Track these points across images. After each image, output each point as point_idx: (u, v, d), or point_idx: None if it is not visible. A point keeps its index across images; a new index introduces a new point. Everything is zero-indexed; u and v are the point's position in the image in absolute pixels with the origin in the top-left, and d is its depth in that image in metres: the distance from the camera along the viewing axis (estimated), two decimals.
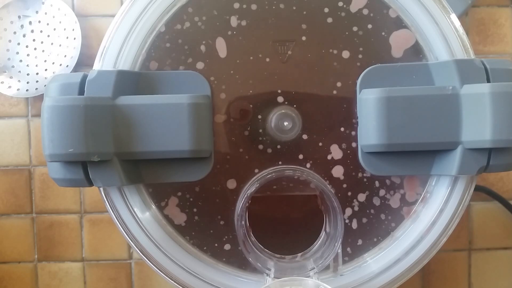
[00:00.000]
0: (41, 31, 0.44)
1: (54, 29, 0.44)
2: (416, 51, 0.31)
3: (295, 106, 0.31)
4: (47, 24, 0.44)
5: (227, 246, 0.32)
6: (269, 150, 0.31)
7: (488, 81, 0.29)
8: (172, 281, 0.31)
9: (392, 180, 0.32)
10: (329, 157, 0.31)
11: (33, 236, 0.46)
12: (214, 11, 0.31)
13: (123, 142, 0.28)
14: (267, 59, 0.31)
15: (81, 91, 0.29)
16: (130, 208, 0.31)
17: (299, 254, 0.32)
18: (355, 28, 0.31)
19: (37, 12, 0.44)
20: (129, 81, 0.30)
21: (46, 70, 0.44)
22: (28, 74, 0.44)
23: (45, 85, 0.41)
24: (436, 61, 0.31)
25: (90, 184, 0.29)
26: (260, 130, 0.31)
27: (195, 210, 0.32)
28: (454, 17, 0.31)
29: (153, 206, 0.32)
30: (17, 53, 0.44)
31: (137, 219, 0.31)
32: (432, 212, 0.31)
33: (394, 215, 0.32)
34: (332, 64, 0.31)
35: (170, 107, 0.29)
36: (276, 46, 0.31)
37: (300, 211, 0.33)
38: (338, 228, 0.29)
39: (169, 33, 0.31)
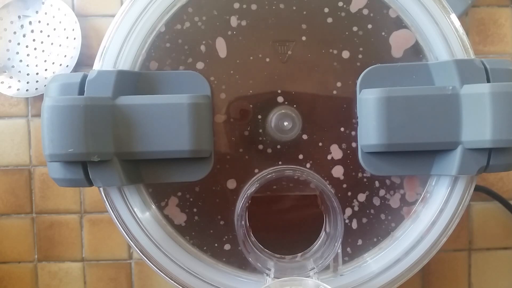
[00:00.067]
0: (41, 31, 0.44)
1: (54, 29, 0.44)
2: (416, 51, 0.31)
3: (295, 106, 0.31)
4: (47, 24, 0.44)
5: (227, 246, 0.32)
6: (269, 150, 0.31)
7: (488, 81, 0.29)
8: (172, 281, 0.31)
9: (392, 180, 0.32)
10: (329, 157, 0.31)
11: (33, 236, 0.46)
12: (214, 11, 0.31)
13: (123, 142, 0.28)
14: (267, 59, 0.31)
15: (81, 91, 0.29)
16: (130, 208, 0.31)
17: (299, 254, 0.32)
18: (355, 28, 0.31)
19: (37, 12, 0.44)
20: (129, 81, 0.30)
21: (46, 70, 0.44)
22: (28, 74, 0.44)
23: (45, 85, 0.41)
24: (436, 61, 0.31)
25: (90, 184, 0.29)
26: (260, 130, 0.31)
27: (195, 210, 0.32)
28: (454, 17, 0.31)
29: (153, 206, 0.32)
30: (17, 53, 0.44)
31: (137, 219, 0.31)
32: (432, 212, 0.31)
33: (394, 215, 0.32)
34: (332, 64, 0.31)
35: (170, 107, 0.29)
36: (276, 46, 0.31)
37: (300, 211, 0.33)
38: (338, 228, 0.29)
39: (169, 33, 0.31)
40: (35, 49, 0.44)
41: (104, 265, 0.46)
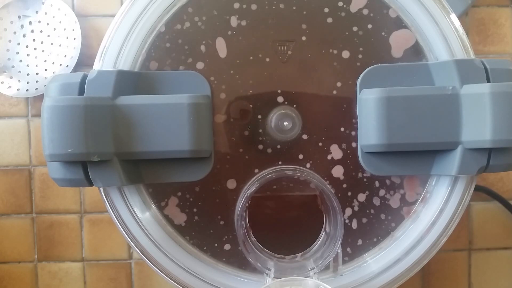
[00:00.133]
0: (41, 31, 0.44)
1: (54, 29, 0.44)
2: (416, 51, 0.31)
3: (295, 106, 0.31)
4: (47, 24, 0.44)
5: (227, 246, 0.32)
6: (269, 150, 0.31)
7: (488, 81, 0.29)
8: (172, 281, 0.31)
9: (392, 180, 0.32)
10: (329, 157, 0.31)
11: (33, 236, 0.46)
12: (214, 11, 0.31)
13: (123, 142, 0.28)
14: (267, 59, 0.31)
15: (81, 91, 0.29)
16: (130, 208, 0.31)
17: (299, 254, 0.32)
18: (355, 28, 0.31)
19: (37, 12, 0.44)
20: (129, 81, 0.30)
21: (46, 70, 0.44)
22: (28, 74, 0.44)
23: (45, 85, 0.41)
24: (436, 61, 0.31)
25: (90, 184, 0.29)
26: (260, 130, 0.31)
27: (195, 210, 0.32)
28: (454, 17, 0.31)
29: (153, 206, 0.32)
30: (17, 53, 0.44)
31: (137, 219, 0.31)
32: (432, 212, 0.31)
33: (394, 215, 0.32)
34: (332, 64, 0.31)
35: (170, 107, 0.29)
36: (276, 46, 0.31)
37: (300, 211, 0.33)
38: (338, 228, 0.29)
39: (169, 33, 0.31)
40: (35, 49, 0.44)
41: (104, 265, 0.46)
